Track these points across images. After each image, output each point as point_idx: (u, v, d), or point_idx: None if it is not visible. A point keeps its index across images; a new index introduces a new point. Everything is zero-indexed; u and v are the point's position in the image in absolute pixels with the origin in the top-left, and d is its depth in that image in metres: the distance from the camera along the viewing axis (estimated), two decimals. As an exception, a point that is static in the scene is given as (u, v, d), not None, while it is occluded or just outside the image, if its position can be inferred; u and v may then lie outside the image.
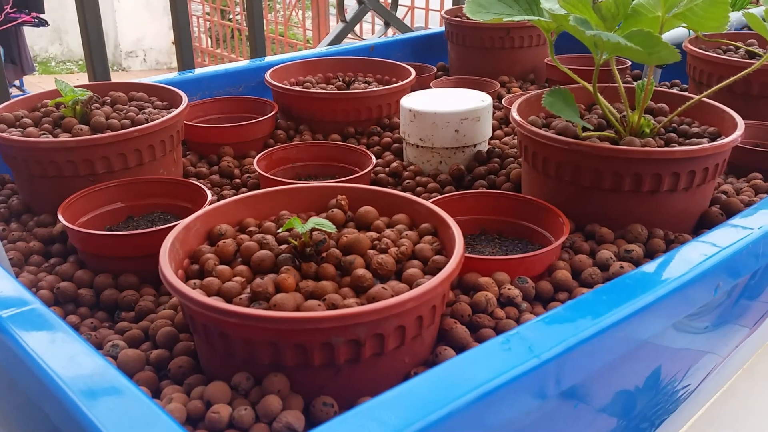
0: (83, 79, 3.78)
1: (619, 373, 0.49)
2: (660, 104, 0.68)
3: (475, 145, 0.77)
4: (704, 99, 0.65)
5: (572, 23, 0.52)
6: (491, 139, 0.83)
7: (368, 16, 1.35)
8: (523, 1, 0.61)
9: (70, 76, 4.00)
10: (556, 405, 0.43)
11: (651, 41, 0.51)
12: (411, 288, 0.44)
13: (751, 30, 0.80)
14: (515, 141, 0.82)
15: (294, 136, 0.86)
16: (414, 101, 0.77)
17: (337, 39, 1.33)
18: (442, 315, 0.47)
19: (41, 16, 3.19)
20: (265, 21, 3.59)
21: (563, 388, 0.39)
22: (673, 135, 0.62)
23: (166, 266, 0.43)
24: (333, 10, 3.51)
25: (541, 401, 0.37)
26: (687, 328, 0.54)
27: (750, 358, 0.77)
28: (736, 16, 1.06)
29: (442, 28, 1.13)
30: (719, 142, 0.58)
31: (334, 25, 1.38)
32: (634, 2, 0.57)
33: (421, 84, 1.00)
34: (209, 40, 3.85)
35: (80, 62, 4.15)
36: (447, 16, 1.07)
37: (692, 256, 0.45)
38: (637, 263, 0.54)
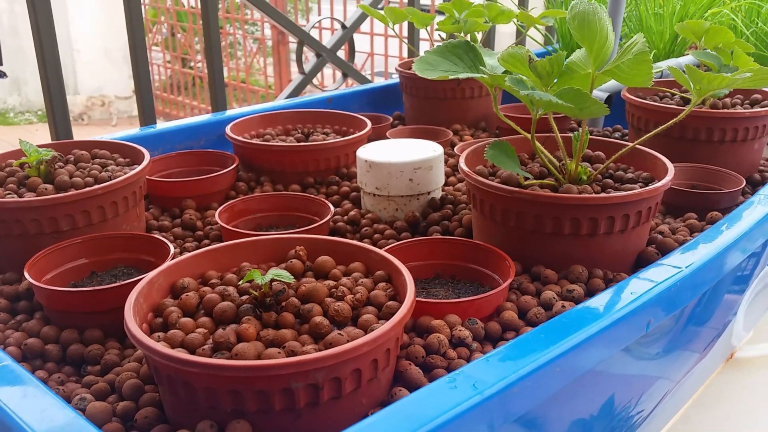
0: (42, 130, 3.76)
1: (574, 400, 0.52)
2: (597, 152, 0.73)
3: (429, 193, 0.81)
4: (638, 146, 0.70)
5: (508, 83, 0.57)
6: (445, 185, 0.87)
7: (328, 64, 1.41)
8: (467, 59, 0.65)
9: (29, 126, 3.97)
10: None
11: (581, 98, 0.56)
12: (366, 333, 0.47)
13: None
14: (466, 188, 0.86)
15: (255, 188, 0.89)
16: (369, 152, 0.81)
17: (297, 90, 1.37)
18: (398, 357, 0.50)
19: (0, 67, 3.19)
20: (226, 69, 3.64)
21: (510, 420, 0.42)
22: (609, 181, 0.67)
23: (131, 321, 0.45)
24: (294, 57, 3.58)
25: (488, 433, 0.40)
26: (638, 355, 0.58)
27: (701, 386, 0.81)
28: (670, 63, 1.13)
29: (398, 80, 1.18)
30: (650, 187, 0.62)
31: (295, 71, 1.43)
32: (567, 60, 0.62)
33: (377, 133, 1.04)
34: (170, 88, 3.88)
35: (39, 113, 4.13)
36: (400, 69, 1.12)
37: (624, 295, 0.49)
38: (578, 302, 0.58)
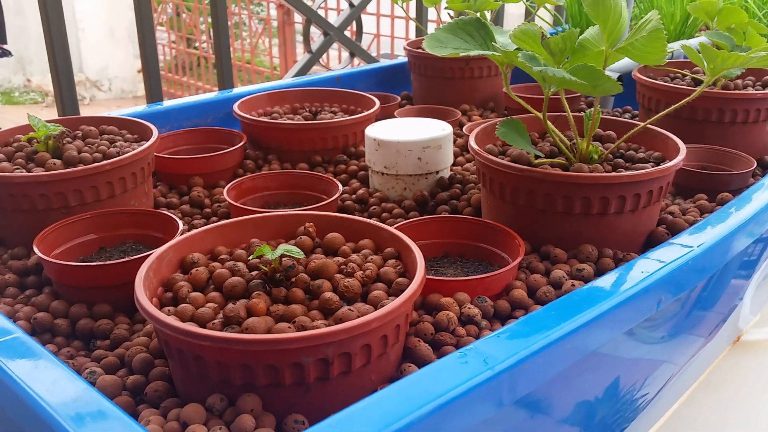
0: (47, 109, 3.75)
1: (578, 383, 0.52)
2: (608, 131, 0.72)
3: (437, 172, 0.80)
4: (649, 126, 0.69)
5: (521, 59, 0.56)
6: (453, 165, 0.87)
7: (334, 45, 1.40)
8: (478, 36, 0.65)
9: (34, 106, 3.97)
10: (517, 415, 0.46)
11: (594, 75, 0.55)
12: (376, 309, 0.47)
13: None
14: (475, 167, 0.85)
15: (263, 166, 0.88)
16: (378, 131, 0.80)
17: (304, 70, 1.36)
18: (407, 334, 0.50)
19: (4, 46, 3.18)
20: (231, 49, 3.61)
21: (518, 396, 0.42)
22: (620, 160, 0.66)
23: (142, 295, 0.45)
24: (299, 38, 3.56)
25: (497, 410, 0.40)
26: (643, 338, 0.58)
27: (707, 368, 0.81)
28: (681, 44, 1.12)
29: (405, 59, 1.17)
30: (661, 166, 0.62)
31: (301, 52, 1.42)
32: (579, 38, 0.61)
33: (385, 113, 1.03)
34: (175, 68, 3.86)
35: (41, 92, 4.12)
36: (409, 48, 1.11)
37: (634, 273, 0.49)
38: (587, 281, 0.58)
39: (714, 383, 0.80)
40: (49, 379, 0.37)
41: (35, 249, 0.59)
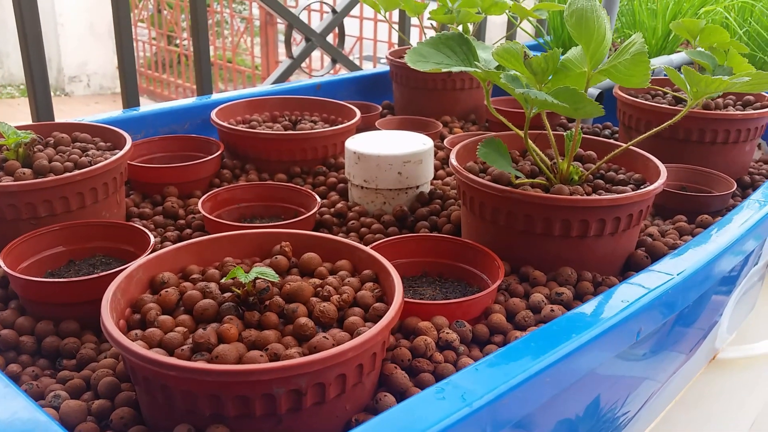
0: (24, 104, 3.68)
1: (559, 403, 0.51)
2: (589, 152, 0.72)
3: (417, 187, 0.79)
4: (631, 147, 0.68)
5: (504, 80, 0.55)
6: (434, 179, 0.86)
7: (317, 48, 1.39)
8: (460, 52, 0.64)
9: (10, 101, 3.90)
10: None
11: (576, 98, 0.54)
12: (352, 336, 0.46)
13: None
14: (456, 184, 0.85)
15: (240, 175, 0.87)
16: (358, 144, 0.79)
17: (284, 76, 1.35)
18: (383, 360, 0.49)
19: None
20: (212, 48, 3.57)
21: (498, 430, 0.41)
22: (601, 182, 0.66)
23: (108, 318, 0.43)
24: (281, 37, 3.54)
25: (474, 447, 0.39)
26: (626, 357, 0.57)
27: (685, 387, 0.81)
28: (663, 61, 1.12)
29: (387, 67, 1.16)
30: (642, 190, 0.61)
31: (283, 52, 1.40)
32: (562, 58, 0.60)
33: (366, 122, 1.02)
34: (155, 66, 3.82)
35: (21, 86, 4.05)
36: (392, 58, 1.10)
37: (614, 302, 0.48)
38: (567, 306, 0.57)
39: (689, 401, 0.80)
40: (8, 411, 0.36)
41: (1, 262, 0.57)
